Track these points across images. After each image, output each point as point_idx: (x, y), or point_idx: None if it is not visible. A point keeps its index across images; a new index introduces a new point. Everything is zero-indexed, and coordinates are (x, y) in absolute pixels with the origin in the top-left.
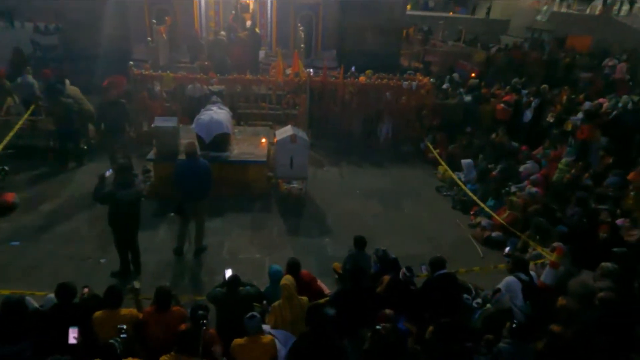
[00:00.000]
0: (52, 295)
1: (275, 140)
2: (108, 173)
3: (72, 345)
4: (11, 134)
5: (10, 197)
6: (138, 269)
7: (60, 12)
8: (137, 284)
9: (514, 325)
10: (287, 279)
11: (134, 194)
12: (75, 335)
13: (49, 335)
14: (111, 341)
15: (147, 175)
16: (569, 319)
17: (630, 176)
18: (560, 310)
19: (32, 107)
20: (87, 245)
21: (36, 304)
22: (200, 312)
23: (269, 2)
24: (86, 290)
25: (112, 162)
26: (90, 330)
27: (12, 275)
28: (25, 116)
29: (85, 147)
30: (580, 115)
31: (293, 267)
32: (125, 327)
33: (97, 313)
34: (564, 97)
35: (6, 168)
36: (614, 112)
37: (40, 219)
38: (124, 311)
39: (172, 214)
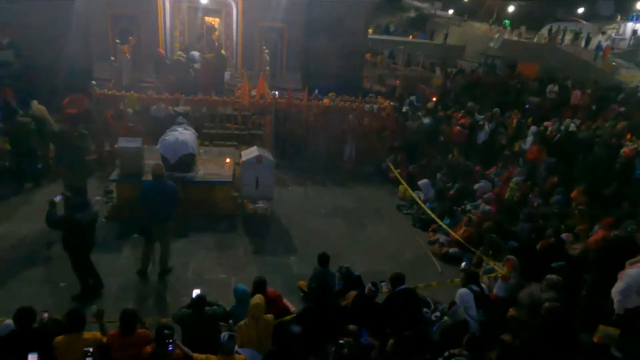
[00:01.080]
0: (9, 321)
1: (241, 160)
2: (57, 198)
3: None
4: None
5: None
6: (97, 290)
7: (19, 27)
8: (94, 309)
9: (469, 337)
10: (259, 298)
11: (90, 217)
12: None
13: None
14: None
15: (109, 196)
16: (518, 328)
17: (573, 194)
18: (511, 321)
19: None
20: (46, 269)
21: None
22: (166, 331)
23: (234, 24)
24: (46, 315)
25: (65, 186)
26: (51, 355)
27: None
28: None
29: (41, 167)
30: (529, 137)
31: (259, 285)
32: (91, 350)
33: (59, 338)
34: (514, 120)
35: None
36: (558, 135)
37: None
38: (87, 335)
39: (136, 235)
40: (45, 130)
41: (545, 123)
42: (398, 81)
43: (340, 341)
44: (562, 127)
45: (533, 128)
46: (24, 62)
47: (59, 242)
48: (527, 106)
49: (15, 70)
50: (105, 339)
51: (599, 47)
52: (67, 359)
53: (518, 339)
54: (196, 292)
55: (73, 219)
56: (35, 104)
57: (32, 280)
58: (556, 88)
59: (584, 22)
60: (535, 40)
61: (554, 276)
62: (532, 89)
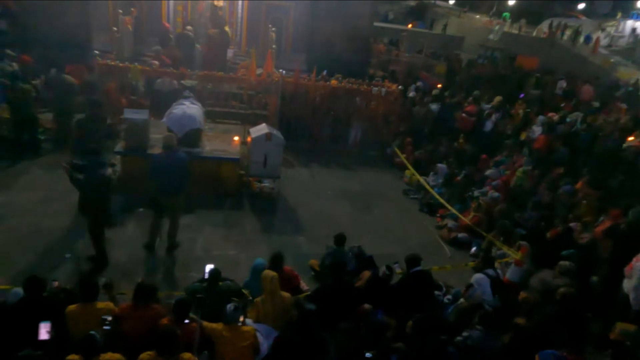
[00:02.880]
0: (18, 289)
1: (249, 138)
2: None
3: (43, 340)
4: None
5: None
6: (104, 261)
7: None
8: (104, 280)
9: (484, 313)
10: (271, 273)
11: (103, 177)
12: (48, 329)
13: (17, 330)
14: (92, 332)
15: (113, 169)
16: (530, 311)
17: (578, 185)
18: (523, 304)
19: None
20: (49, 240)
21: None
22: (185, 302)
23: (240, 1)
24: (56, 283)
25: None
26: (61, 324)
27: None
28: None
29: (42, 138)
30: (537, 127)
31: (277, 260)
32: (110, 318)
33: (71, 307)
34: (520, 111)
35: None
36: (575, 127)
37: None
38: (100, 304)
39: (141, 209)
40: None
41: (549, 114)
42: (400, 68)
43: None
44: (568, 120)
45: (541, 118)
46: (18, 31)
47: (62, 214)
48: (521, 96)
49: (9, 39)
50: (117, 310)
51: (587, 38)
52: (80, 327)
53: (531, 322)
54: (209, 267)
55: (93, 175)
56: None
57: (36, 250)
58: (565, 84)
59: (584, 18)
60: (535, 34)
61: (567, 262)
62: (531, 82)
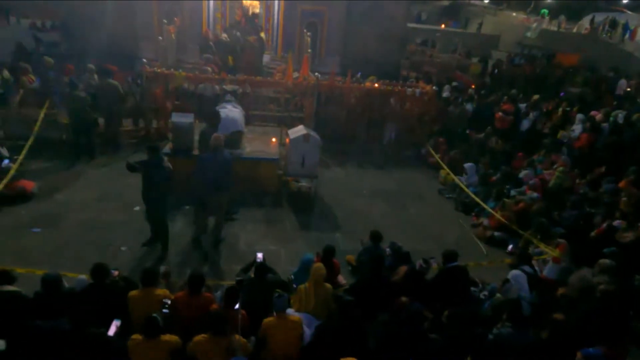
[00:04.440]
0: (83, 276)
1: (287, 139)
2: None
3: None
4: (36, 128)
5: (30, 185)
6: (165, 248)
7: (63, 9)
8: (163, 269)
9: (512, 309)
10: (321, 265)
11: (166, 172)
12: (118, 325)
13: (84, 313)
14: (154, 315)
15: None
16: (569, 308)
17: (621, 184)
18: (561, 299)
19: (47, 101)
20: (107, 234)
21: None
22: (234, 290)
23: (276, 6)
24: (117, 273)
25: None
26: (123, 309)
27: (37, 259)
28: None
29: (97, 141)
30: (577, 125)
31: (329, 253)
32: (169, 301)
33: (133, 292)
34: (559, 109)
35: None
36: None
37: (57, 207)
38: (158, 291)
39: (187, 207)
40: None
41: (592, 113)
42: (434, 68)
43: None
44: (612, 118)
45: (580, 116)
46: (70, 43)
47: (118, 210)
48: (562, 94)
49: (62, 50)
50: (173, 297)
51: (625, 27)
52: (141, 310)
53: (570, 318)
54: (259, 255)
55: (150, 173)
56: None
57: (95, 243)
58: (626, 84)
59: (629, 12)
60: (576, 30)
61: (607, 260)
62: (574, 80)
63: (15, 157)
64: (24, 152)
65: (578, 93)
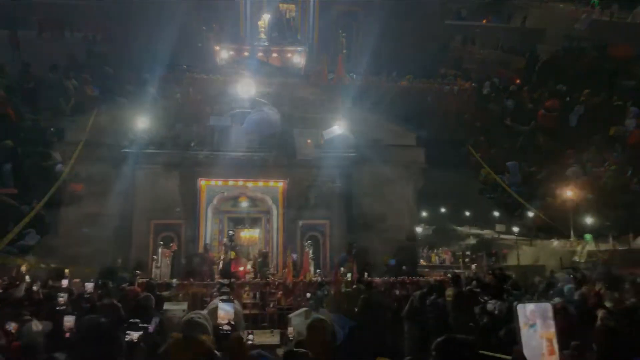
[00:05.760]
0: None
1: (322, 140)
2: None
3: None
4: None
5: (79, 187)
6: None
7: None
8: None
9: None
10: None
11: None
12: (157, 323)
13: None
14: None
15: None
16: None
17: None
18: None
19: None
20: None
21: None
22: None
23: (311, 10)
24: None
25: None
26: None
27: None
28: None
29: None
30: (630, 120)
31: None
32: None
33: None
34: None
35: None
36: None
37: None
38: None
39: None
40: None
41: None
42: (474, 65)
43: None
44: None
45: (634, 110)
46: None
47: None
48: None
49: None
50: None
51: None
52: None
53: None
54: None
55: None
56: None
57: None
58: None
59: None
60: (630, 20)
61: None
62: (630, 72)
63: None
64: None
65: (632, 86)
